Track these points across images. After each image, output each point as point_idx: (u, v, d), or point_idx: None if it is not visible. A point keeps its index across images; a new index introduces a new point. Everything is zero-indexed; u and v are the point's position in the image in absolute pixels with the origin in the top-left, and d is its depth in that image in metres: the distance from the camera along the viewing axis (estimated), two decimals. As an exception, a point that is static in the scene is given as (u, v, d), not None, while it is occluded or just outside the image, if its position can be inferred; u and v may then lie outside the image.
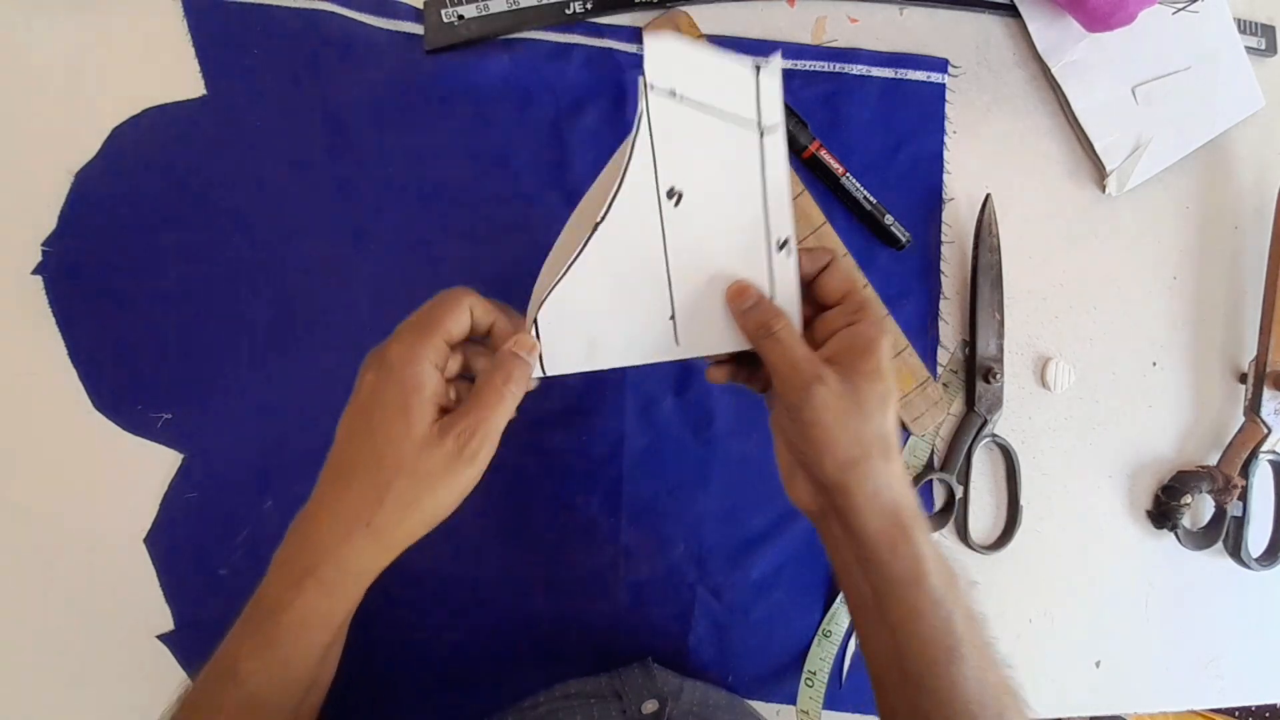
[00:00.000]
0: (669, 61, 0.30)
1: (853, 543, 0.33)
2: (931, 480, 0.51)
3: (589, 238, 0.32)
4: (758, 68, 0.31)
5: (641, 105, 0.31)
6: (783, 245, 0.33)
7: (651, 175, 0.32)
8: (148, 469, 0.43)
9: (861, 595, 0.34)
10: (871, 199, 0.49)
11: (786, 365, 0.32)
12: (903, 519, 0.32)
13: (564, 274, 0.33)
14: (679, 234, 0.33)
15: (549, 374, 0.34)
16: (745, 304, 0.33)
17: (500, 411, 0.32)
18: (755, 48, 0.49)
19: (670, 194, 0.32)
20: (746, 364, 0.37)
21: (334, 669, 0.35)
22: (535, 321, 0.33)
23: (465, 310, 0.32)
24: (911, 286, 0.51)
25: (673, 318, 0.34)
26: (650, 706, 0.38)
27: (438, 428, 0.31)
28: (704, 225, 0.33)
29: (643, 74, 0.30)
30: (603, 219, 0.32)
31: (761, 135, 0.32)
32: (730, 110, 0.32)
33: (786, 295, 0.34)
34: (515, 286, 0.38)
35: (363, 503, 0.30)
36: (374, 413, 0.31)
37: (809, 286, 0.35)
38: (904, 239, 0.50)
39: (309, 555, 0.30)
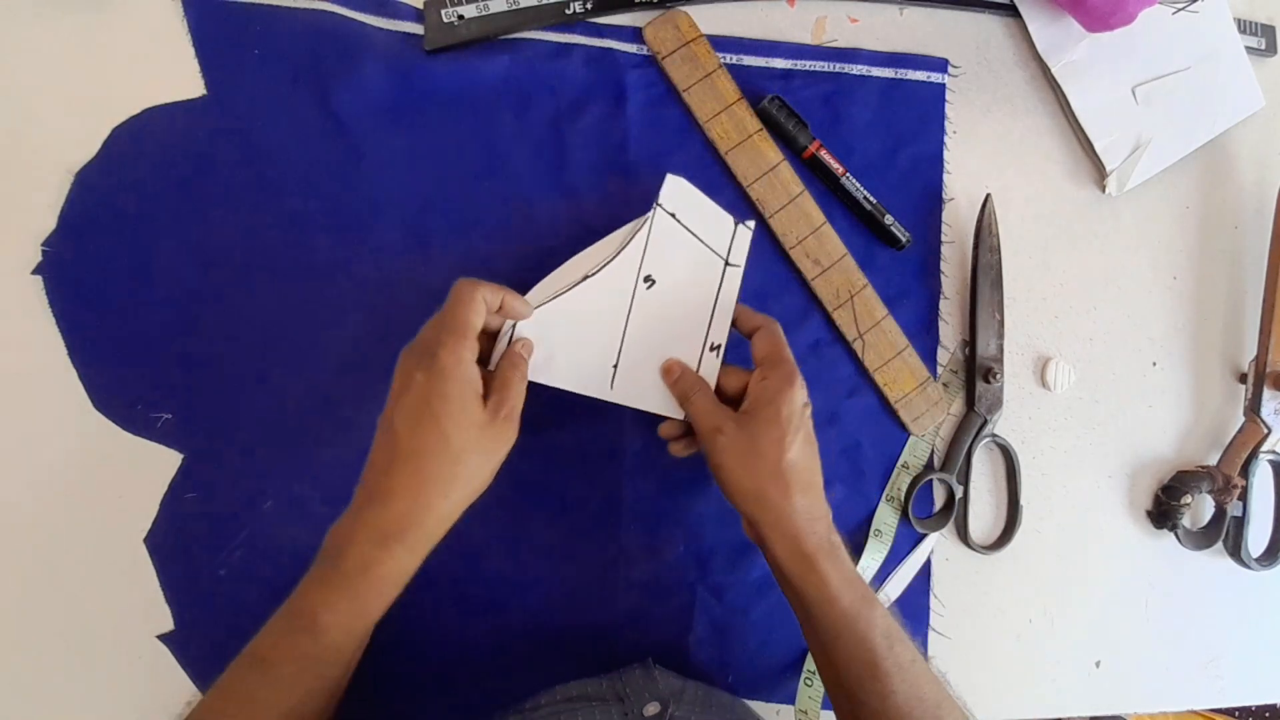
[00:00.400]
0: (680, 195, 0.42)
1: (775, 568, 0.39)
2: (931, 480, 0.51)
3: (577, 282, 0.41)
4: (738, 223, 0.43)
5: (650, 215, 0.41)
6: (715, 348, 0.43)
7: (639, 260, 0.41)
8: (148, 469, 0.43)
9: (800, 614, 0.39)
10: (871, 199, 0.49)
11: (698, 422, 0.40)
12: (804, 548, 0.37)
13: (548, 301, 0.40)
14: (642, 309, 0.42)
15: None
16: (673, 377, 0.42)
17: (522, 397, 0.38)
18: (755, 48, 0.49)
19: (647, 279, 0.42)
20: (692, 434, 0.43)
21: (369, 636, 0.38)
22: (513, 328, 0.40)
23: (481, 302, 0.37)
24: (911, 286, 0.51)
25: (615, 366, 0.42)
26: (652, 709, 0.38)
27: (488, 411, 0.36)
28: (663, 310, 0.42)
29: (658, 201, 0.41)
30: (593, 273, 0.41)
31: (726, 266, 0.43)
32: (709, 242, 0.43)
33: (709, 378, 0.43)
34: (515, 285, 0.39)
35: (439, 479, 0.35)
36: (435, 405, 0.35)
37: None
38: (904, 239, 0.50)
39: (394, 523, 0.35)
